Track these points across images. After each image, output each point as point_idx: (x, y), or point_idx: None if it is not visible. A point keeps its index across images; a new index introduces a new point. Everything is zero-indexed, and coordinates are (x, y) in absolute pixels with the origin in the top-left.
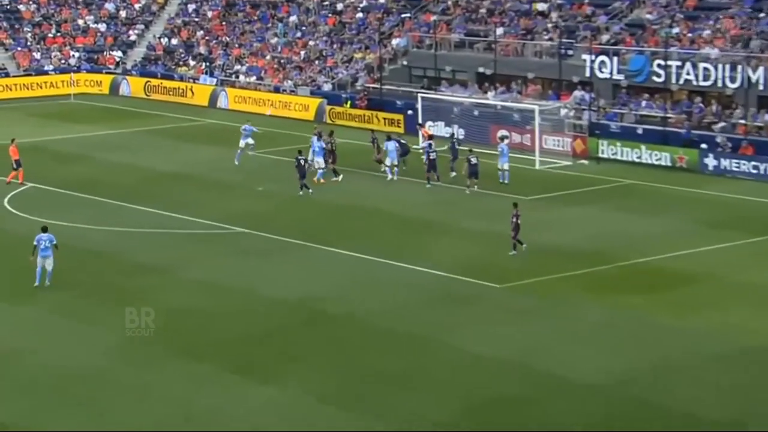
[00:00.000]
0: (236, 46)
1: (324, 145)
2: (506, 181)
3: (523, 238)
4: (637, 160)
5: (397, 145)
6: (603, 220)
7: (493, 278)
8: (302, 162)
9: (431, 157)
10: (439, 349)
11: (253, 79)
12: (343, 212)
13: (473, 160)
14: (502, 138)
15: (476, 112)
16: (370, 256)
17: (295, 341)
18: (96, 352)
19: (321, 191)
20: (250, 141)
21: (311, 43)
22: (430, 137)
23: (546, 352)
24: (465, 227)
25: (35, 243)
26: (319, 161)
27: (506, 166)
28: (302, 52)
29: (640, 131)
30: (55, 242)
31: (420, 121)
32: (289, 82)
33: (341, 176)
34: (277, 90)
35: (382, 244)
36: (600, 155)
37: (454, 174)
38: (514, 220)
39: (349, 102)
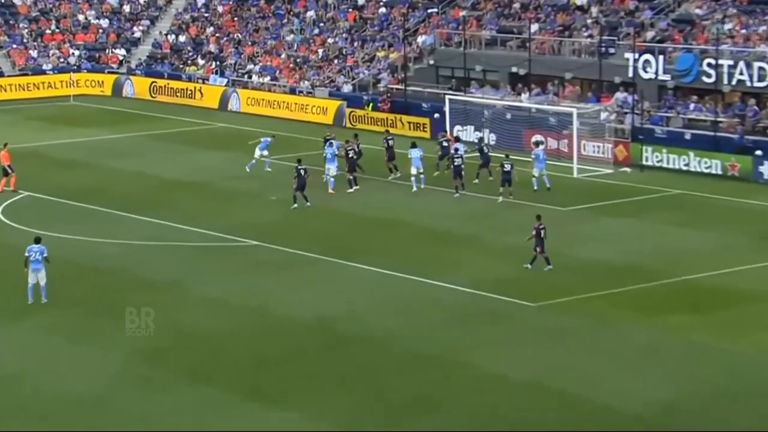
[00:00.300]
0: (249, 43)
1: (336, 151)
2: (548, 186)
3: (556, 253)
4: (685, 168)
5: (422, 152)
6: (647, 233)
7: (527, 296)
8: (302, 172)
9: (455, 163)
10: (467, 373)
11: (267, 79)
12: (363, 224)
13: (507, 167)
14: (537, 143)
15: (509, 116)
16: (393, 272)
17: (313, 364)
18: (95, 375)
19: (339, 201)
20: (266, 153)
21: (330, 40)
22: (457, 139)
23: (585, 378)
24: (495, 240)
25: (26, 254)
26: (331, 168)
27: (544, 173)
28: (320, 51)
29: (688, 136)
30: (45, 255)
31: (447, 127)
32: (306, 82)
33: (356, 187)
34: (293, 91)
35: (405, 258)
36: (644, 163)
37: (476, 181)
38: (534, 233)
39: (370, 104)
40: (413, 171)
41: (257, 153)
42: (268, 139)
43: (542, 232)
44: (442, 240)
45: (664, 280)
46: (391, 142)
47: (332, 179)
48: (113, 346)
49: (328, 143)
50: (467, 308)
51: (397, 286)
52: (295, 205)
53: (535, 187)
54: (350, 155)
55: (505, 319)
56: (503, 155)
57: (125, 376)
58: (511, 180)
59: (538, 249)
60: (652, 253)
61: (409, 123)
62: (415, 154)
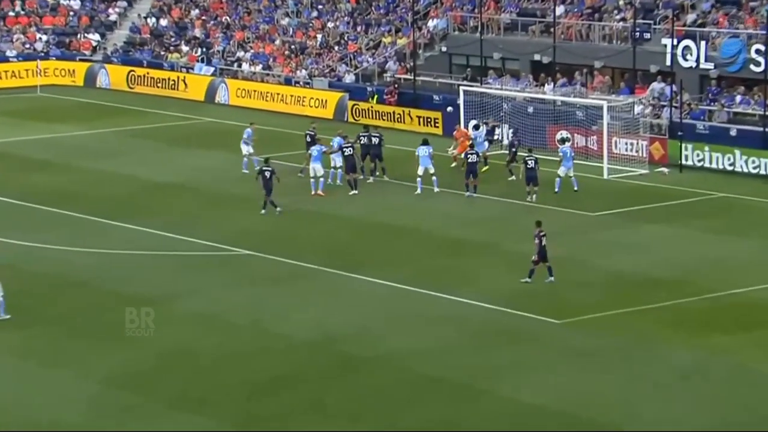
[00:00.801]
0: (239, 28)
1: (324, 149)
2: (575, 188)
3: (584, 264)
4: (730, 169)
5: (431, 150)
6: (686, 241)
7: (552, 312)
8: (267, 174)
9: (469, 161)
10: (487, 399)
11: (259, 68)
12: (368, 231)
13: (530, 163)
14: (563, 140)
15: (530, 110)
16: (403, 285)
17: (315, 390)
18: (69, 402)
19: (340, 206)
20: (251, 150)
21: (330, 24)
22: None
23: (619, 407)
24: (514, 248)
25: None
26: (316, 168)
27: (571, 173)
28: (319, 36)
29: (733, 133)
30: None
31: (462, 121)
32: (303, 72)
33: (355, 192)
34: (288, 82)
35: (416, 269)
36: (683, 162)
37: (513, 178)
38: (537, 241)
39: (375, 97)
40: (420, 171)
41: (244, 149)
42: (249, 130)
43: (543, 239)
44: (456, 249)
45: (707, 294)
46: (375, 140)
47: (321, 180)
48: (90, 371)
49: (310, 138)
50: (485, 326)
51: (408, 301)
52: (263, 211)
53: (557, 189)
54: (346, 152)
55: (527, 339)
56: (526, 150)
57: (102, 405)
58: (536, 178)
59: (535, 258)
60: (693, 265)
61: (419, 118)
62: (423, 152)
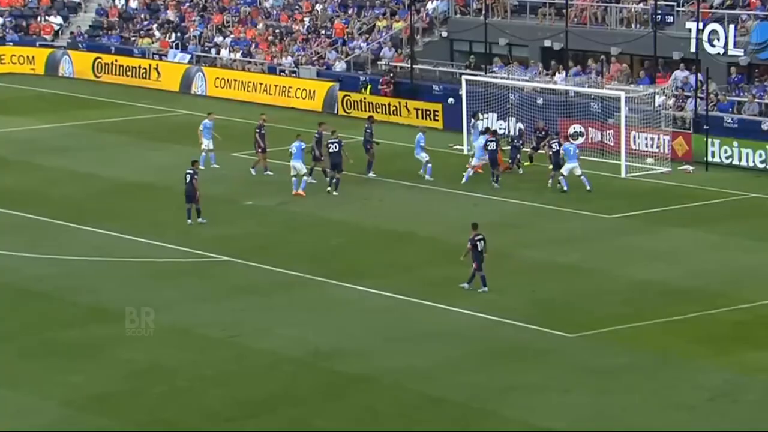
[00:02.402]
0: (217, 10)
1: (304, 146)
2: (588, 188)
3: (599, 271)
4: (761, 166)
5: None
6: (714, 247)
7: (564, 325)
8: (187, 178)
9: (489, 148)
10: (493, 422)
11: (239, 55)
12: (362, 236)
13: (555, 146)
14: (575, 136)
15: (540, 101)
16: (401, 296)
17: (303, 412)
18: (25, 428)
19: (331, 208)
20: (211, 146)
21: (318, 7)
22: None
23: (640, 430)
24: (524, 256)
25: None
26: (297, 166)
27: (578, 171)
28: (306, 20)
29: (765, 126)
30: None
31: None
32: (289, 59)
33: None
34: (272, 70)
35: (416, 279)
36: (709, 159)
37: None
38: (470, 246)
39: (368, 87)
40: (473, 162)
41: (204, 143)
42: (207, 121)
43: (479, 244)
44: (457, 256)
45: (738, 305)
46: (333, 148)
47: (305, 179)
48: (50, 393)
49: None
50: (492, 341)
51: (406, 313)
52: (189, 221)
53: (565, 188)
54: (330, 149)
55: (537, 355)
56: (554, 134)
57: (64, 430)
58: (560, 162)
59: (474, 265)
60: (722, 273)
61: (417, 110)
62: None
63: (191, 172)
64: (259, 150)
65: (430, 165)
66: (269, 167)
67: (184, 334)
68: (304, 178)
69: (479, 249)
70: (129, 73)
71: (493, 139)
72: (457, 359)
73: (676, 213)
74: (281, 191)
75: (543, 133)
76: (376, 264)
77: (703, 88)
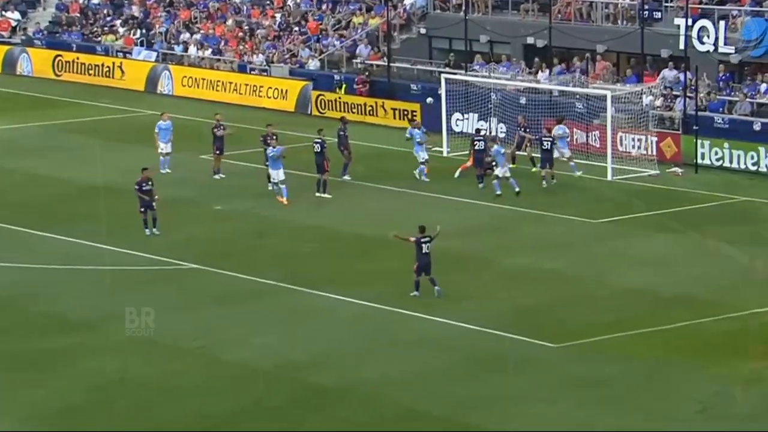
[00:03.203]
0: (184, 5)
1: (280, 152)
2: (579, 174)
3: (585, 278)
4: (753, 169)
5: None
6: (703, 253)
7: (547, 334)
8: (146, 187)
9: (476, 147)
10: None
11: (208, 53)
12: (339, 242)
13: (546, 144)
14: (560, 136)
15: (523, 101)
16: (379, 304)
17: (276, 425)
18: None
19: (305, 213)
20: (169, 149)
21: (290, 2)
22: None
23: None
24: (507, 262)
25: None
26: (274, 174)
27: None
28: (278, 16)
29: (757, 127)
30: None
31: (444, 114)
32: (260, 57)
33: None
34: (242, 69)
35: (395, 287)
36: (699, 161)
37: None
38: (417, 248)
39: (343, 86)
40: (500, 172)
41: (161, 146)
42: (162, 122)
43: (424, 246)
44: (441, 262)
45: (730, 314)
46: (316, 148)
47: (284, 186)
48: (8, 409)
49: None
50: (474, 351)
51: (385, 322)
52: (147, 231)
53: (545, 184)
54: (314, 149)
55: (522, 366)
56: (545, 130)
57: None
58: (552, 160)
59: (415, 267)
60: (713, 279)
61: (394, 110)
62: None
63: (148, 182)
64: (217, 152)
65: (424, 167)
66: (222, 170)
67: (151, 344)
68: (283, 186)
69: (424, 251)
70: (91, 72)
71: (481, 138)
72: (437, 370)
73: (664, 217)
74: (252, 196)
75: (523, 129)
76: (351, 271)
77: (693, 87)
